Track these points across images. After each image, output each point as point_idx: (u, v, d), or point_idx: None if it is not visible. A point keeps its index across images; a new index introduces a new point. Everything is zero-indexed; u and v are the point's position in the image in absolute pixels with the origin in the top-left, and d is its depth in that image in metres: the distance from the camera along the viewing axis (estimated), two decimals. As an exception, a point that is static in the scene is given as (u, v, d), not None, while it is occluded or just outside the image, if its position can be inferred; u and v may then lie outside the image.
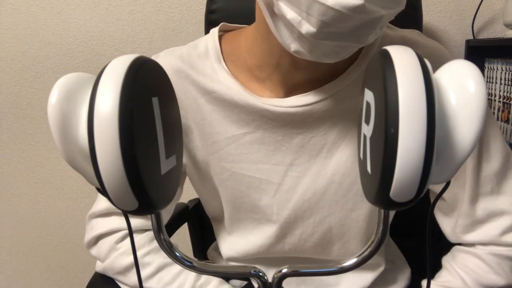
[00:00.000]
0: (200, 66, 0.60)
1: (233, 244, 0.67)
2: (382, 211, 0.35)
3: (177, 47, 0.63)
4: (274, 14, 0.46)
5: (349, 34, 0.43)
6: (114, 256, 0.59)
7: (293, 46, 0.46)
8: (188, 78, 0.59)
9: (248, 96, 0.56)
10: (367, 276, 0.66)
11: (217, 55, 0.59)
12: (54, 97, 0.31)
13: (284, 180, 0.59)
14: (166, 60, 0.61)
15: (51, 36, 1.16)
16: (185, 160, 0.64)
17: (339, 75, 0.56)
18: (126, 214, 0.36)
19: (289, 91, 0.57)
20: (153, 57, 0.62)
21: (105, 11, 1.13)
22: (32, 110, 1.22)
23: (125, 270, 0.59)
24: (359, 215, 0.60)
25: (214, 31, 0.62)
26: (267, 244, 0.63)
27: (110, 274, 0.60)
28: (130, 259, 0.59)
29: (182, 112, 0.60)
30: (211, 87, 0.58)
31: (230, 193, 0.62)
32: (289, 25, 0.44)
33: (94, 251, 0.62)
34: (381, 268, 0.67)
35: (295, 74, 0.55)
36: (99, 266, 0.61)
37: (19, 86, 1.20)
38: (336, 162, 0.57)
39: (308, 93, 0.56)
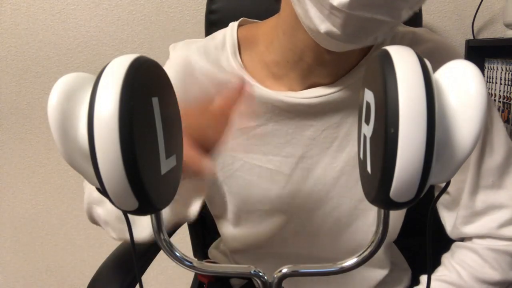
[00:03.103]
0: (215, 57, 0.60)
1: (239, 236, 0.68)
2: (382, 211, 0.35)
3: (197, 39, 0.64)
4: None
5: (383, 6, 0.42)
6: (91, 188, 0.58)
7: (323, 26, 0.45)
8: (202, 70, 0.60)
9: (260, 88, 0.57)
10: (372, 278, 0.67)
11: (234, 48, 0.60)
12: (54, 97, 0.31)
13: (294, 172, 0.60)
14: (184, 50, 0.62)
15: (51, 36, 1.16)
16: None
17: (352, 68, 0.56)
18: (126, 214, 0.36)
19: (304, 88, 0.57)
20: (172, 46, 0.63)
21: (105, 11, 1.13)
22: (32, 110, 1.22)
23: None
24: (366, 205, 0.60)
25: (234, 24, 0.63)
26: (275, 235, 0.63)
27: (93, 203, 0.59)
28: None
29: (190, 104, 0.60)
30: (224, 78, 0.58)
31: (240, 184, 0.62)
32: (318, 1, 0.43)
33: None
34: (386, 270, 0.67)
35: (317, 71, 0.55)
36: (84, 208, 0.61)
37: (19, 86, 1.20)
38: (347, 155, 0.58)
39: (320, 87, 0.56)
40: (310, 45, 0.52)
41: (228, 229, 0.70)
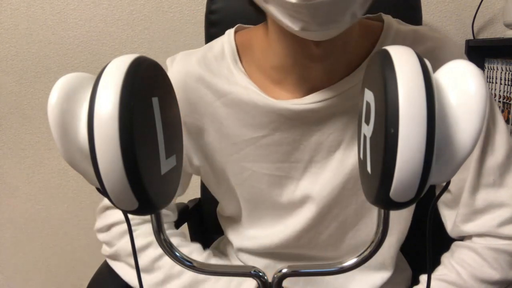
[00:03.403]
0: (216, 68, 0.60)
1: (250, 237, 0.68)
2: (382, 211, 0.35)
3: (193, 49, 0.64)
4: (267, 1, 0.46)
5: None
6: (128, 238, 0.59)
7: (296, 25, 0.45)
8: (205, 82, 0.59)
9: (265, 97, 0.57)
10: (375, 280, 0.67)
11: (233, 56, 0.59)
12: (54, 97, 0.31)
13: (304, 176, 0.60)
14: (183, 64, 0.61)
15: (51, 36, 1.16)
16: (201, 163, 0.64)
17: (354, 70, 0.56)
18: (126, 214, 0.36)
19: (306, 92, 0.57)
20: (169, 59, 0.63)
21: (105, 11, 1.13)
22: (32, 110, 1.22)
23: (138, 251, 0.59)
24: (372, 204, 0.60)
25: (230, 31, 0.62)
26: (284, 238, 0.64)
27: (122, 255, 0.61)
28: (145, 241, 0.60)
29: (198, 116, 0.60)
30: (228, 89, 0.58)
31: (251, 191, 0.63)
32: (280, 4, 0.43)
33: (104, 236, 0.63)
34: (390, 272, 0.67)
35: (313, 70, 0.55)
36: (108, 251, 0.62)
37: (19, 86, 1.20)
38: (354, 158, 0.58)
39: (324, 89, 0.56)
40: (300, 44, 0.52)
41: (238, 229, 0.70)
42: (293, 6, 0.42)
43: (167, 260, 0.59)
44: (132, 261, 0.59)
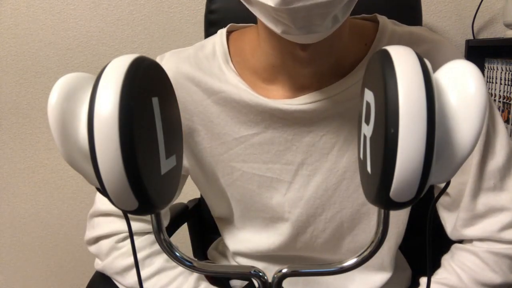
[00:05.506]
0: (207, 67, 0.59)
1: (243, 240, 0.68)
2: (382, 211, 0.35)
3: (183, 48, 0.63)
4: (251, 3, 0.46)
5: None
6: (114, 256, 0.59)
7: (278, 28, 0.45)
8: (194, 80, 0.59)
9: (256, 96, 0.56)
10: (375, 281, 0.66)
11: (225, 56, 0.59)
12: (54, 97, 0.31)
13: (295, 179, 0.60)
14: (172, 62, 0.60)
15: (51, 36, 1.16)
16: (190, 163, 0.64)
17: (347, 74, 0.56)
18: (126, 214, 0.36)
19: (297, 92, 0.56)
20: (159, 58, 0.62)
21: (105, 11, 1.13)
22: (32, 110, 1.22)
23: (123, 271, 0.59)
24: (369, 208, 0.60)
25: (222, 31, 0.62)
26: (278, 242, 0.63)
27: (108, 273, 0.60)
28: (130, 260, 0.58)
29: (187, 115, 0.60)
30: (219, 87, 0.58)
31: (241, 192, 0.62)
32: (262, 7, 0.43)
33: (93, 248, 0.62)
34: (390, 273, 0.67)
35: (301, 72, 0.55)
36: (98, 265, 0.61)
37: (19, 86, 1.20)
38: (347, 160, 0.57)
39: (317, 91, 0.56)
40: (287, 46, 0.51)
41: (232, 231, 0.69)
42: (274, 9, 0.42)
43: (153, 282, 0.58)
44: (120, 279, 0.59)
